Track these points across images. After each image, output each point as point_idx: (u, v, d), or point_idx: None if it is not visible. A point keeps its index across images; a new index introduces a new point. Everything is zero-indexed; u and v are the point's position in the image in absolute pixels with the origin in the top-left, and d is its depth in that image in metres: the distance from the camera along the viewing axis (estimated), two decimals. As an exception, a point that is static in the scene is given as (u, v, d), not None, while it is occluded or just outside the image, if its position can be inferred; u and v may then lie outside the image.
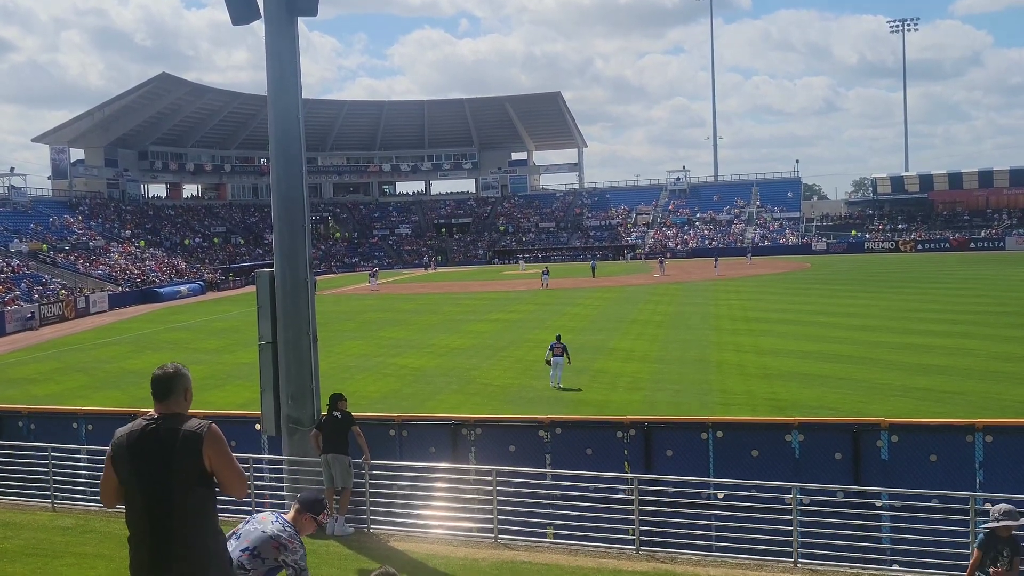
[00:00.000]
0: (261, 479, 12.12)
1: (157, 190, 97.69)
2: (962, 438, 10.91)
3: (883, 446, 11.07)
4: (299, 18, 11.76)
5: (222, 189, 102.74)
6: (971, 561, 7.03)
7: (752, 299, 44.41)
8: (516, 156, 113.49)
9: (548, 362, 23.25)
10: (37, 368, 31.18)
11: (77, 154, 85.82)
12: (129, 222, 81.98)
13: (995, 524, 6.84)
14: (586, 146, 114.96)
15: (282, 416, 11.83)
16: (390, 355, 30.37)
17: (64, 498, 12.27)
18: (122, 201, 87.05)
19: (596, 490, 10.89)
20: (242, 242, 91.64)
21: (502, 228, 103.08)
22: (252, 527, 5.18)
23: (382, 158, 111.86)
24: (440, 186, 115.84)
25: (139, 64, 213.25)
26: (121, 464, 4.42)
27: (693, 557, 9.78)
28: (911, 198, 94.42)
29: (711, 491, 11.06)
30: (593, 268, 67.76)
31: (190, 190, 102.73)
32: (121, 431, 4.49)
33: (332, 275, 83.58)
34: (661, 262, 69.66)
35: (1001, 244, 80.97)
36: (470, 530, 10.86)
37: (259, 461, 12.15)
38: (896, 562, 9.69)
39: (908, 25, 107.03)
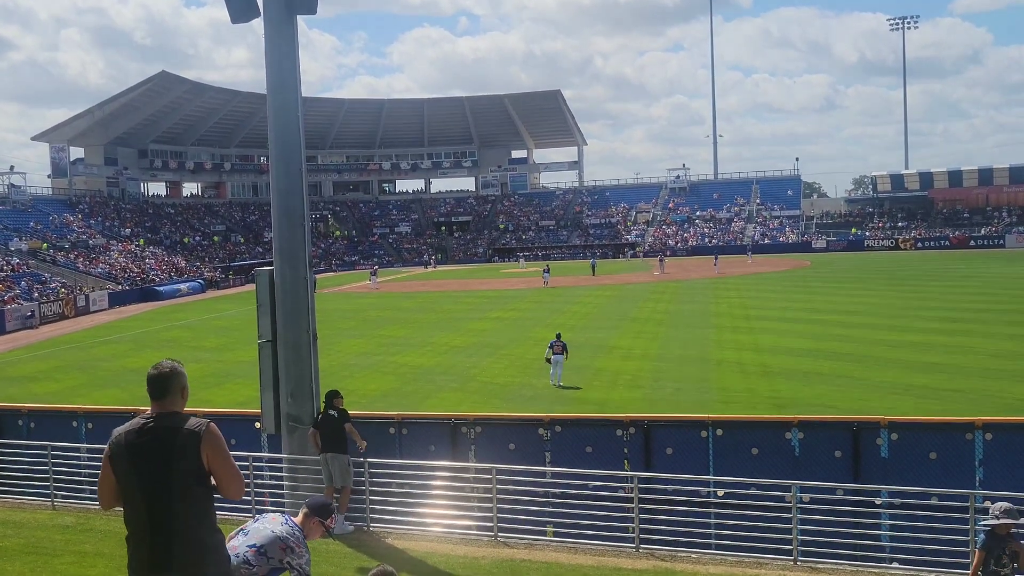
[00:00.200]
0: (261, 477, 12.12)
1: (157, 188, 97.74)
2: (962, 436, 10.92)
3: (883, 444, 11.07)
4: (298, 16, 11.75)
5: (222, 187, 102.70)
6: (973, 564, 6.98)
7: (752, 297, 44.42)
8: (516, 154, 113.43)
9: (548, 360, 23.25)
10: (37, 366, 31.19)
11: (77, 152, 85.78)
12: (129, 220, 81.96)
13: (995, 522, 6.83)
14: (586, 144, 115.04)
15: (282, 414, 11.83)
16: (390, 353, 30.38)
17: (64, 496, 12.28)
18: (122, 199, 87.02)
19: (596, 488, 10.89)
20: (242, 240, 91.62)
21: (502, 226, 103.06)
22: (262, 525, 5.21)
23: (382, 156, 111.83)
24: (440, 184, 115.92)
25: (139, 62, 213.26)
26: (119, 464, 4.41)
27: (693, 555, 9.79)
28: (911, 196, 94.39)
29: (711, 489, 11.07)
30: (593, 266, 67.78)
31: (190, 188, 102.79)
32: (119, 431, 4.48)
33: (332, 273, 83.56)
34: (661, 260, 69.66)
35: (1001, 242, 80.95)
36: (470, 528, 10.87)
37: (259, 459, 12.15)
38: (896, 560, 9.69)
39: (908, 23, 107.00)
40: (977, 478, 10.67)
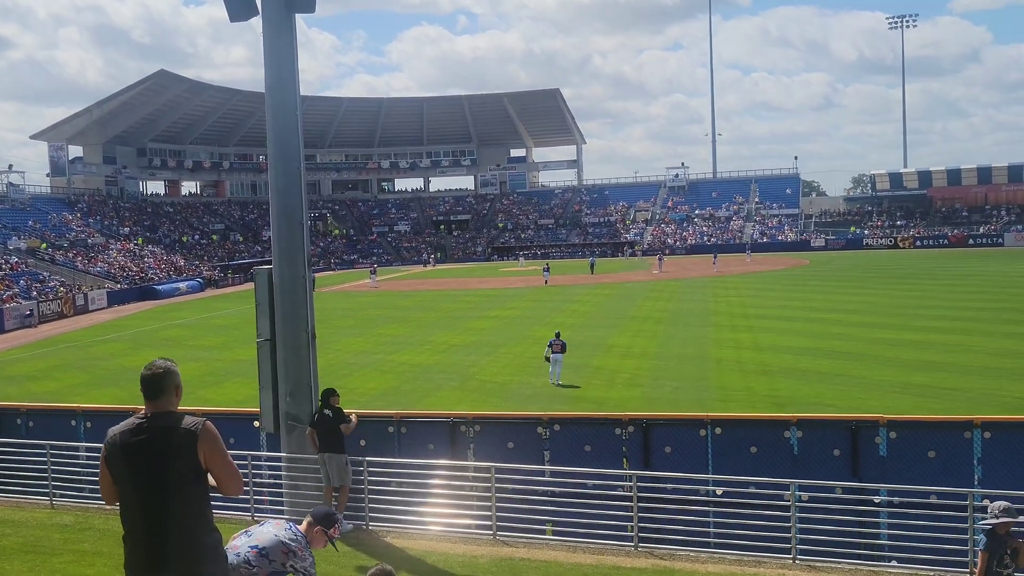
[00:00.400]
0: (260, 476, 12.11)
1: (155, 187, 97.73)
2: (960, 434, 10.92)
3: (881, 442, 11.07)
4: (297, 14, 11.74)
5: (220, 186, 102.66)
6: (979, 567, 6.94)
7: (751, 295, 44.44)
8: (515, 153, 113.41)
9: (547, 359, 23.24)
10: (36, 365, 31.17)
11: (75, 151, 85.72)
12: (127, 219, 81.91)
13: (995, 521, 6.82)
14: (585, 143, 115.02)
15: (281, 413, 11.82)
16: (389, 352, 30.38)
17: (62, 495, 12.27)
18: (120, 198, 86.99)
19: (595, 487, 10.88)
20: (241, 239, 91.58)
21: (501, 225, 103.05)
22: (266, 529, 5.25)
23: (381, 155, 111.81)
24: (439, 183, 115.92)
25: (137, 61, 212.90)
26: (115, 464, 4.41)
27: (692, 553, 9.79)
28: (910, 194, 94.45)
29: (710, 488, 11.06)
30: (592, 265, 67.85)
31: (188, 187, 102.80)
32: (114, 431, 4.47)
33: (331, 272, 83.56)
34: (660, 259, 69.70)
35: (999, 240, 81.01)
36: (469, 527, 10.86)
37: (258, 458, 12.14)
38: (894, 558, 9.70)
39: (907, 21, 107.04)
40: (976, 477, 10.68)
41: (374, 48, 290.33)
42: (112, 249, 70.67)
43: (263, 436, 12.73)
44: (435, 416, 13.38)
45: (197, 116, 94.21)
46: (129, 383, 25.10)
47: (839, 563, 9.39)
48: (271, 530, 5.23)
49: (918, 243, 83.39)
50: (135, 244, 74.61)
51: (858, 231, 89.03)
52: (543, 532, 10.60)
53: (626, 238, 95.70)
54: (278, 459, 12.03)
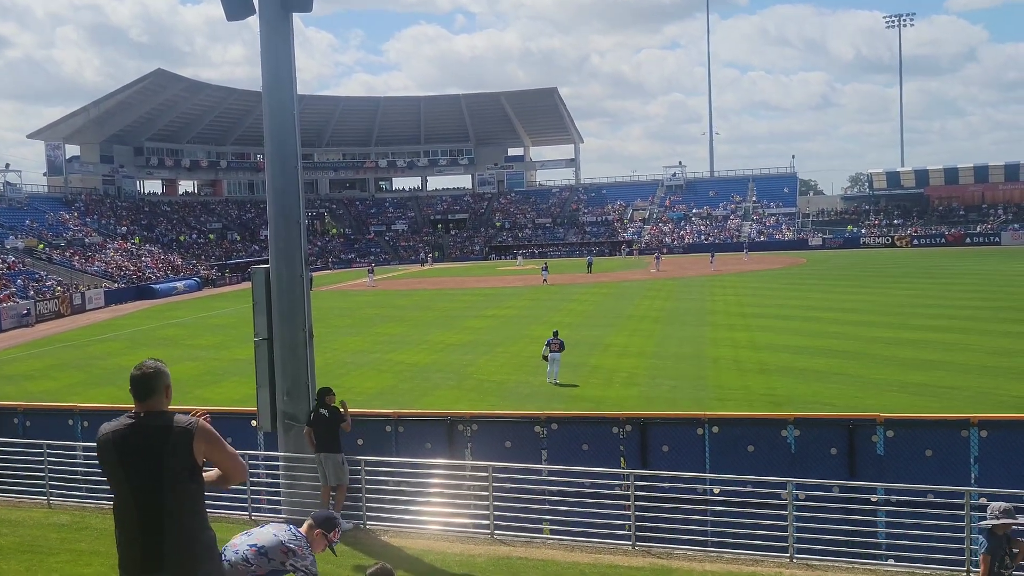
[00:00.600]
0: (257, 475, 12.10)
1: (153, 186, 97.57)
2: (957, 433, 10.93)
3: (878, 441, 11.09)
4: (294, 13, 11.73)
5: (218, 185, 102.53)
6: (981, 570, 6.92)
7: (748, 294, 44.46)
8: (512, 152, 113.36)
9: (545, 358, 23.24)
10: (33, 365, 31.12)
11: (73, 150, 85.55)
12: (125, 218, 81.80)
13: (994, 522, 6.81)
14: (582, 142, 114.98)
15: (278, 412, 11.81)
16: (386, 351, 30.36)
17: (59, 495, 12.25)
18: (118, 197, 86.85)
19: (592, 486, 10.89)
20: (238, 238, 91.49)
21: (498, 224, 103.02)
22: (266, 529, 5.31)
23: (378, 154, 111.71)
24: (436, 182, 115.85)
25: (135, 60, 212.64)
26: (107, 463, 4.40)
27: (689, 552, 9.80)
28: (907, 193, 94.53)
29: (707, 486, 11.07)
30: (589, 264, 67.87)
31: (186, 186, 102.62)
32: (106, 429, 4.46)
33: (328, 271, 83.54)
34: (657, 258, 69.71)
35: (997, 239, 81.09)
36: (466, 526, 10.86)
37: (255, 457, 12.14)
38: (891, 557, 9.71)
39: (904, 20, 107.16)
40: (972, 475, 10.69)
41: (372, 47, 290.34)
42: (109, 248, 70.58)
43: (260, 435, 12.73)
44: (432, 415, 13.38)
45: (194, 115, 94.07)
46: (126, 382, 24.74)
47: (836, 562, 9.40)
48: (271, 530, 5.28)
49: (915, 242, 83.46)
50: (132, 243, 74.52)
51: (855, 230, 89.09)
52: (541, 531, 10.60)
53: (624, 237, 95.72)
54: (275, 458, 12.03)
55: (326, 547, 5.59)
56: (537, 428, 12.12)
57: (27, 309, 47.04)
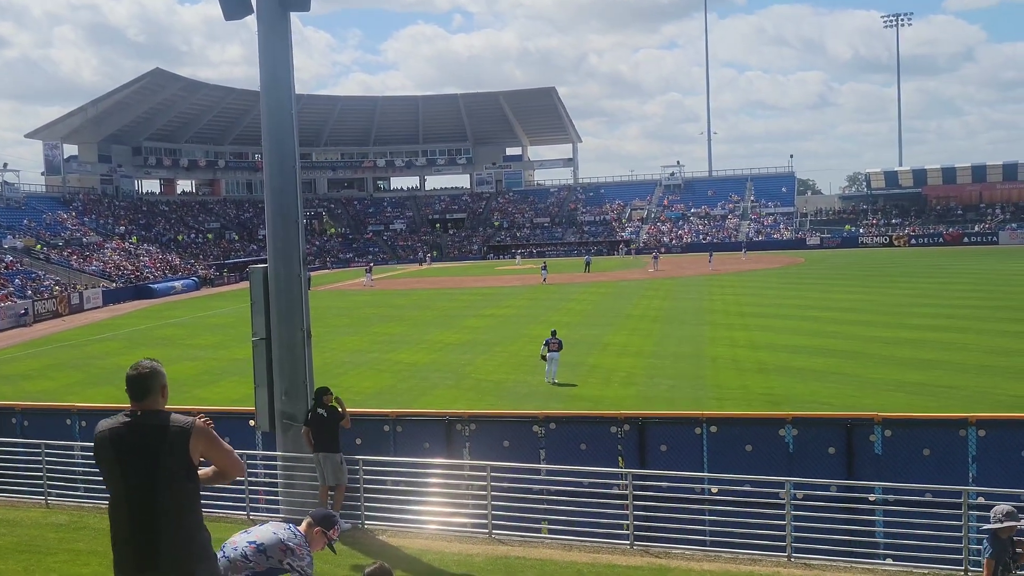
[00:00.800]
0: (256, 475, 12.10)
1: (151, 186, 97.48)
2: (955, 432, 10.94)
3: (876, 440, 11.09)
4: (292, 13, 11.72)
5: (216, 185, 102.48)
6: (985, 575, 6.89)
7: (746, 294, 44.49)
8: (510, 151, 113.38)
9: (544, 357, 23.24)
10: (30, 364, 31.09)
11: (70, 150, 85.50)
12: (123, 218, 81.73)
13: (997, 526, 6.79)
14: (580, 141, 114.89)
15: (276, 412, 11.81)
16: (384, 351, 30.36)
17: (57, 495, 12.24)
18: (116, 197, 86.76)
19: (590, 485, 10.89)
20: (236, 238, 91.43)
21: (497, 223, 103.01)
22: (266, 527, 5.32)
23: (376, 153, 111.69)
24: (434, 181, 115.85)
25: (133, 60, 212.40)
26: (105, 459, 4.40)
27: (687, 552, 9.80)
28: (905, 193, 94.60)
29: (705, 486, 11.08)
30: (587, 263, 67.88)
31: (184, 186, 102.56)
32: (103, 426, 4.46)
33: (326, 271, 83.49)
34: (655, 257, 69.72)
35: (994, 239, 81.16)
36: (464, 525, 10.86)
37: (253, 457, 12.13)
38: (889, 556, 9.72)
39: (902, 20, 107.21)
40: (970, 474, 10.70)
41: (370, 47, 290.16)
42: (107, 248, 70.52)
43: (259, 435, 12.72)
44: (431, 415, 13.38)
45: (192, 114, 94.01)
46: (124, 382, 25.02)
47: (834, 561, 9.40)
48: (270, 528, 5.29)
49: (913, 241, 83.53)
50: (130, 243, 74.47)
51: (853, 229, 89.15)
52: (539, 530, 10.60)
53: (622, 236, 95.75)
54: (274, 458, 12.03)
55: (325, 545, 5.59)
56: (535, 428, 12.12)
57: (25, 309, 46.99)
